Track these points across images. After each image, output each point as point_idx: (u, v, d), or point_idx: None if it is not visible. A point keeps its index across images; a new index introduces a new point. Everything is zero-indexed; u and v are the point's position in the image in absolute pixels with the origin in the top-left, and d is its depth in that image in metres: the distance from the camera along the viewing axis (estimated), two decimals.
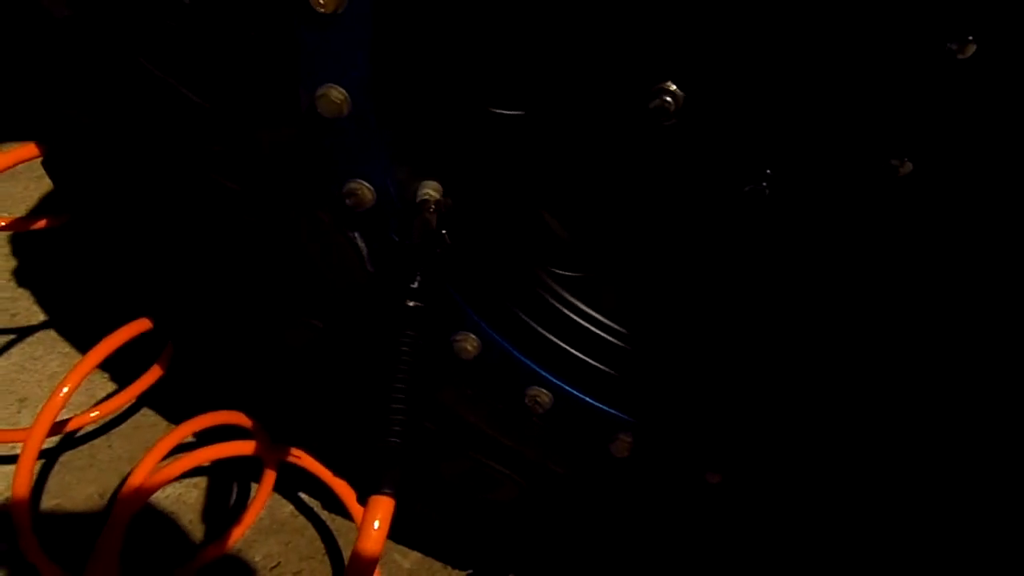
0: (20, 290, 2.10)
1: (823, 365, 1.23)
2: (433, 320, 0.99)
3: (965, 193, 1.07)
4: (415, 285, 0.96)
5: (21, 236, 2.24)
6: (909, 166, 1.05)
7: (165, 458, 1.41)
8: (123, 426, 1.84)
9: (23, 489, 1.22)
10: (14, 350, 1.95)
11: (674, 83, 1.03)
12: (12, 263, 2.17)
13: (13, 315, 2.03)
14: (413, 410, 0.86)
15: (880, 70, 0.98)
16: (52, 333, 2.02)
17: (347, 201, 1.05)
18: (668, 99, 1.02)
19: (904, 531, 1.32)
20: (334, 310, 1.19)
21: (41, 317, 2.04)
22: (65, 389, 1.26)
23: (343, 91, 0.97)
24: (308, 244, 1.12)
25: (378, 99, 0.99)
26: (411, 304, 0.93)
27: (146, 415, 1.87)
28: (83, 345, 1.97)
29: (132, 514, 1.29)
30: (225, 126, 1.03)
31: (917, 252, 1.14)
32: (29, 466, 1.23)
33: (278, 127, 1.02)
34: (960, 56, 0.94)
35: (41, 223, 1.38)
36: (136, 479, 1.28)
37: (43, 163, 1.17)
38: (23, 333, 1.99)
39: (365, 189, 1.05)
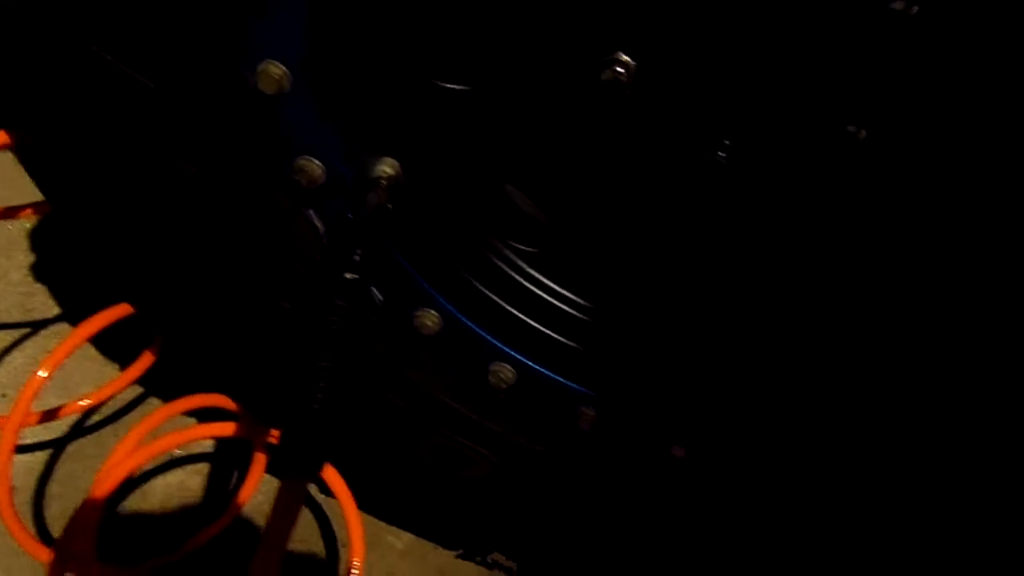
0: (37, 285, 2.14)
1: (787, 337, 1.20)
2: (369, 294, 0.99)
3: (924, 157, 1.04)
4: (356, 258, 0.96)
5: (40, 232, 2.29)
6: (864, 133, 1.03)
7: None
8: (131, 415, 1.87)
9: (3, 476, 1.25)
10: (28, 343, 1.99)
11: (625, 53, 1.02)
12: (31, 258, 2.21)
13: (29, 310, 2.07)
14: (342, 382, 0.86)
15: (827, 31, 0.96)
16: (67, 327, 2.05)
17: (296, 178, 1.06)
18: (620, 70, 1.01)
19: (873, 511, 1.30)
20: (298, 289, 1.20)
21: (56, 311, 2.07)
22: (42, 372, 1.29)
23: (282, 67, 0.97)
24: (267, 223, 1.13)
25: (319, 74, 0.99)
26: (348, 276, 0.94)
27: (153, 404, 1.90)
28: (97, 339, 2.01)
29: (113, 488, 1.31)
30: (173, 106, 1.04)
31: (883, 221, 1.11)
32: (8, 450, 1.26)
33: (223, 106, 1.03)
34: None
35: (27, 211, 1.41)
36: (116, 458, 1.31)
37: (13, 150, 1.19)
38: (38, 327, 2.03)
39: (314, 166, 1.05)
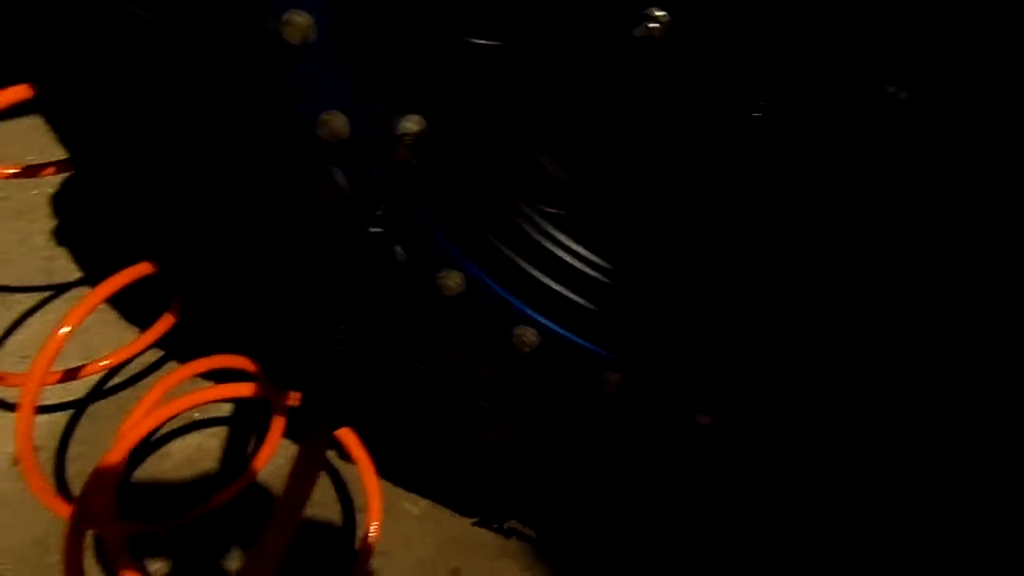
0: (59, 249, 2.14)
1: (817, 302, 1.18)
2: (391, 251, 0.97)
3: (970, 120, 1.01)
4: (379, 213, 0.94)
5: (62, 196, 2.28)
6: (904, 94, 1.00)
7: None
8: (150, 378, 1.88)
9: (26, 431, 1.24)
10: (50, 307, 2.00)
11: (659, 8, 0.99)
12: (53, 223, 2.21)
13: (51, 274, 2.07)
14: (363, 341, 0.84)
15: None
16: (89, 291, 2.05)
17: (320, 132, 1.04)
18: (654, 25, 0.99)
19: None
20: (321, 248, 1.19)
21: (78, 275, 2.08)
22: (64, 329, 1.28)
23: (308, 15, 0.95)
24: (289, 178, 1.12)
25: (346, 24, 0.97)
26: (372, 230, 0.92)
27: (173, 367, 1.90)
28: (118, 303, 2.01)
29: (132, 447, 1.31)
30: (196, 56, 1.03)
31: (917, 187, 1.08)
32: (30, 405, 1.26)
33: (248, 55, 1.01)
34: None
35: (49, 170, 1.40)
36: (135, 417, 1.30)
37: (37, 103, 1.18)
38: (59, 290, 2.03)
39: (338, 119, 1.03)
